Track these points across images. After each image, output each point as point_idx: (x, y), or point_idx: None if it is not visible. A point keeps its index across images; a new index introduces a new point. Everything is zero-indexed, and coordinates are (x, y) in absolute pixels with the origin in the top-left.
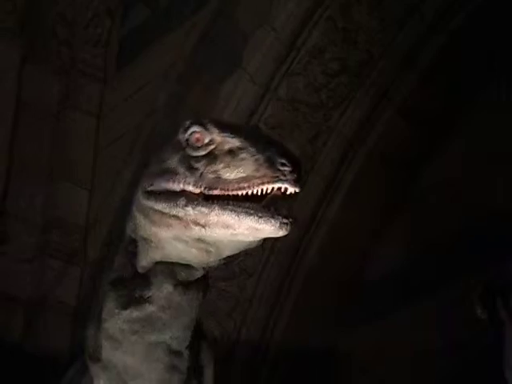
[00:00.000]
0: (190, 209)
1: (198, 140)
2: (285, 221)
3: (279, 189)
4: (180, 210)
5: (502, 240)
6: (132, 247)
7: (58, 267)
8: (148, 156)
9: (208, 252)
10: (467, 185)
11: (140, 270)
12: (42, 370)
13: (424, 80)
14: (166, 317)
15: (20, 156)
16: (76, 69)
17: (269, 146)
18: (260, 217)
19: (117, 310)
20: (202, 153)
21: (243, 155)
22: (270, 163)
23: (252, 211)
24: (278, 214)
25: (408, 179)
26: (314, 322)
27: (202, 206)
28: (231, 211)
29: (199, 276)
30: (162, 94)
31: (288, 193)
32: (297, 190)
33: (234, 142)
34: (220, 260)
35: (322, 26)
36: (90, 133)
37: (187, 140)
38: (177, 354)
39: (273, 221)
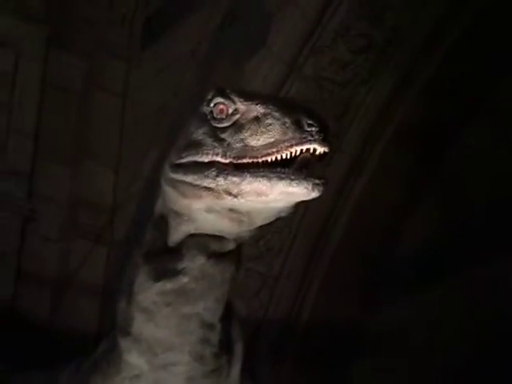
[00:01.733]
0: (221, 179)
1: (222, 111)
2: (317, 182)
3: (308, 150)
4: (211, 181)
5: None
6: (162, 223)
7: (85, 247)
8: (174, 135)
9: (240, 222)
10: (496, 159)
11: (171, 244)
12: (70, 349)
13: (450, 56)
14: (199, 288)
15: (46, 136)
16: (101, 49)
17: (294, 110)
18: (292, 179)
19: (149, 283)
20: (228, 123)
21: (269, 121)
22: (297, 125)
23: (284, 175)
24: (310, 176)
25: (435, 155)
26: (341, 300)
27: (233, 175)
28: (263, 177)
29: (231, 248)
30: (188, 73)
31: (317, 153)
32: (326, 150)
33: (258, 109)
34: (251, 230)
35: (347, 3)
36: (116, 113)
37: (211, 112)
38: (209, 326)
39: (305, 183)
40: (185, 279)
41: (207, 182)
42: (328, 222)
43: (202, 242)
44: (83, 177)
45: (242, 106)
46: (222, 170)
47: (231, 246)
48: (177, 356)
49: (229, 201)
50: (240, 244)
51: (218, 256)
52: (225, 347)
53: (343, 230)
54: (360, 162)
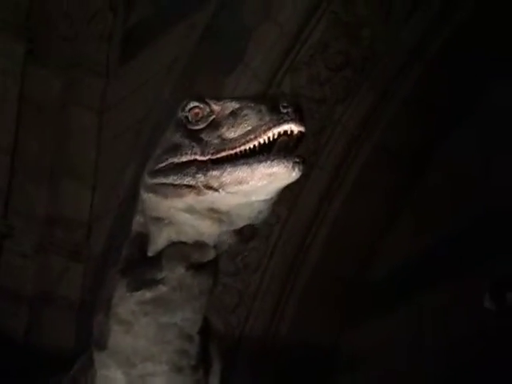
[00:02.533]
0: (200, 175)
1: (197, 114)
2: (297, 160)
3: (286, 133)
4: (191, 178)
5: (509, 234)
6: (139, 240)
7: (61, 263)
8: (151, 149)
9: (221, 222)
10: (473, 176)
11: (151, 254)
12: (46, 366)
13: (428, 75)
14: (178, 298)
15: (23, 152)
16: (78, 64)
17: (268, 99)
18: (272, 160)
19: (128, 294)
20: (204, 124)
21: (245, 111)
22: (273, 109)
23: (263, 158)
24: (290, 155)
25: (413, 172)
26: (319, 318)
27: (213, 169)
28: (243, 165)
29: (211, 258)
30: (166, 88)
31: (295, 135)
32: (302, 130)
33: (233, 105)
34: (231, 235)
35: (326, 21)
36: (93, 128)
37: (187, 117)
38: (188, 337)
39: (285, 161)
40: (164, 288)
41: (187, 180)
42: (305, 239)
43: (182, 251)
44: (60, 193)
45: (216, 106)
46: (202, 166)
47: (211, 254)
48: (155, 366)
49: (210, 196)
50: (217, 256)
51: (196, 267)
52: (202, 360)
53: (321, 248)
54: (337, 180)
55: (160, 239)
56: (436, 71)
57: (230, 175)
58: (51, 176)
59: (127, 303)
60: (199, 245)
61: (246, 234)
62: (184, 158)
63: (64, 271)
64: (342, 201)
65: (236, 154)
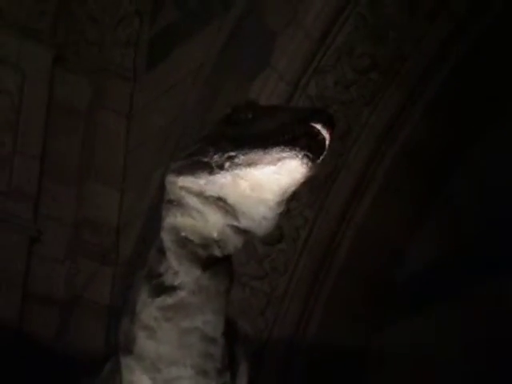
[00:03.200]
0: (217, 155)
1: (238, 116)
2: (309, 154)
3: (310, 135)
4: (207, 157)
5: None
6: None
7: (90, 267)
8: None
9: (226, 212)
10: (500, 183)
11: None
12: (76, 370)
13: (455, 77)
14: (197, 301)
15: (52, 157)
16: (106, 69)
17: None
18: (285, 146)
19: (150, 299)
20: (240, 125)
21: (280, 113)
22: (304, 114)
23: (279, 142)
24: (304, 148)
25: (439, 176)
26: (346, 321)
27: (231, 150)
28: (258, 147)
29: (218, 256)
30: (192, 93)
31: (319, 138)
32: (327, 135)
33: (273, 110)
34: (235, 231)
35: (352, 23)
36: (121, 133)
37: (228, 117)
38: (211, 340)
39: (297, 151)
40: (182, 293)
41: (203, 158)
42: (333, 242)
43: (193, 253)
44: (89, 197)
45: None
46: (222, 148)
47: (217, 252)
48: (180, 371)
49: (220, 177)
50: (230, 256)
51: (211, 269)
52: (228, 364)
53: (347, 250)
54: (364, 182)
55: (166, 225)
56: (463, 73)
57: (243, 155)
58: (80, 180)
59: (149, 309)
60: (204, 240)
61: (274, 237)
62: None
63: (93, 275)
64: (368, 204)
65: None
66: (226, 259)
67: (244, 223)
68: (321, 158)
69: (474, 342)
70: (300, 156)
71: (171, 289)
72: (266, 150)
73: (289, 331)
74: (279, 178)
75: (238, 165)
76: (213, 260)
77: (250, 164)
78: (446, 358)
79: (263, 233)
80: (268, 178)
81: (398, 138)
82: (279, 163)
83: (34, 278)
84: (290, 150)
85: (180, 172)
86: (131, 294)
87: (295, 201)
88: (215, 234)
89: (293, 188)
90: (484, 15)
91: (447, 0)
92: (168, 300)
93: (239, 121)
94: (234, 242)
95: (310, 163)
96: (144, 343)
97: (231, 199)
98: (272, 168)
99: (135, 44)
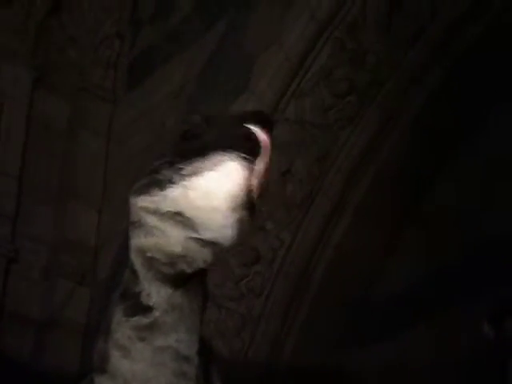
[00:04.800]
0: (167, 170)
1: (187, 132)
2: (247, 157)
3: (249, 138)
4: (158, 174)
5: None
6: None
7: (67, 287)
8: None
9: (184, 226)
10: (476, 204)
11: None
12: None
13: (432, 99)
14: (170, 320)
15: (31, 177)
16: (86, 90)
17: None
18: (224, 150)
19: (125, 319)
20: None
21: (223, 121)
22: (244, 118)
23: (218, 149)
24: (239, 148)
25: (416, 198)
26: (321, 343)
27: (179, 162)
28: (201, 155)
29: (188, 272)
30: (172, 114)
31: (258, 141)
32: (264, 139)
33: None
34: (201, 244)
35: (330, 47)
36: (100, 153)
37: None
38: (185, 359)
39: (235, 154)
40: (156, 313)
41: (155, 176)
42: (309, 264)
43: (158, 270)
44: (67, 217)
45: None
46: (172, 162)
47: (186, 268)
48: None
49: (172, 191)
50: (202, 274)
51: (183, 288)
52: (203, 382)
53: (325, 271)
54: (340, 205)
55: (133, 247)
56: (439, 97)
57: (189, 165)
58: (59, 200)
59: (124, 329)
60: (169, 257)
61: (250, 258)
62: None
63: (70, 295)
64: (345, 225)
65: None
66: (199, 276)
67: (204, 234)
68: (265, 158)
69: (447, 364)
70: (235, 157)
71: (146, 309)
72: (206, 157)
73: (265, 353)
74: (222, 182)
75: (184, 176)
76: (183, 277)
77: (194, 173)
78: (418, 379)
79: (228, 242)
80: (213, 185)
81: (374, 161)
82: (219, 167)
83: (10, 297)
84: (227, 152)
85: (139, 192)
86: (107, 314)
87: (272, 222)
88: (179, 249)
89: (240, 192)
90: (459, 42)
91: (424, 26)
92: (143, 320)
93: (194, 135)
94: (201, 255)
95: (246, 163)
96: (118, 362)
97: (187, 212)
98: (214, 174)
99: (115, 65)
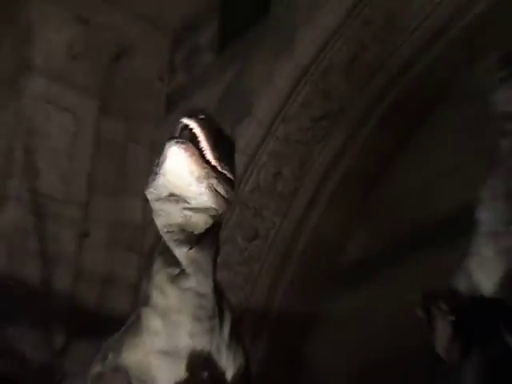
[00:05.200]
0: (156, 166)
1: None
2: (179, 139)
3: (190, 129)
4: (154, 170)
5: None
6: None
7: (123, 255)
8: None
9: (177, 201)
10: (414, 196)
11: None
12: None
13: (380, 124)
14: (191, 269)
15: (97, 176)
16: (136, 115)
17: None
18: (172, 141)
19: (163, 269)
20: None
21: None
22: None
23: (171, 140)
24: (176, 136)
25: (370, 192)
26: (302, 295)
27: (160, 156)
28: (165, 148)
29: (197, 234)
30: None
31: (194, 131)
32: (196, 126)
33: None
34: (191, 208)
35: (309, 86)
36: (145, 159)
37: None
38: (203, 296)
39: (177, 142)
40: (181, 266)
41: (153, 173)
42: (293, 238)
43: (174, 238)
44: (122, 204)
45: None
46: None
47: (194, 231)
48: (182, 317)
49: (160, 180)
50: (213, 234)
51: (196, 246)
52: (216, 312)
53: (305, 244)
54: (317, 197)
55: (158, 228)
56: (384, 123)
57: (161, 156)
58: (115, 192)
59: (161, 275)
60: (178, 227)
61: (251, 235)
62: None
63: (125, 261)
64: (320, 211)
65: None
66: (209, 236)
67: (192, 203)
68: (202, 143)
69: (402, 315)
70: (173, 143)
71: (174, 263)
72: (166, 147)
73: (260, 302)
74: (177, 163)
75: (160, 165)
76: (194, 239)
77: (163, 161)
78: (374, 320)
79: (216, 205)
80: (173, 167)
81: (339, 167)
82: (169, 154)
83: (83, 261)
84: (170, 141)
85: (147, 187)
86: (150, 267)
87: (267, 210)
88: (181, 220)
89: (194, 166)
90: (406, 76)
91: (374, 72)
92: (173, 271)
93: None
94: (200, 219)
95: (183, 146)
96: (157, 298)
97: (175, 191)
98: (169, 159)
99: (157, 98)
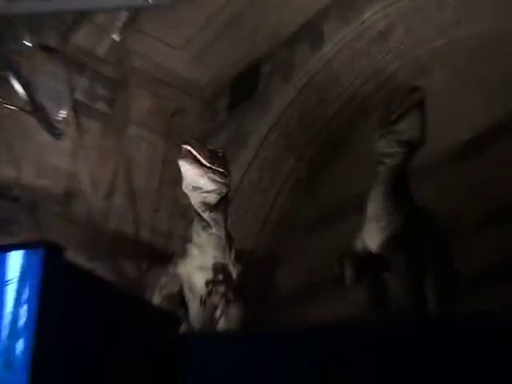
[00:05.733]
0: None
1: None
2: (183, 157)
3: (190, 152)
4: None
5: None
6: None
7: (174, 223)
8: None
9: (195, 190)
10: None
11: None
12: None
13: (309, 159)
14: (213, 223)
15: (163, 190)
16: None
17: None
18: (178, 158)
19: (198, 223)
20: None
21: None
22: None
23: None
24: (182, 156)
25: (310, 184)
26: (281, 238)
27: None
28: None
29: (215, 201)
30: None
31: (191, 152)
32: (191, 149)
33: None
34: (205, 195)
35: (275, 135)
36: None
37: None
38: (220, 237)
39: (179, 157)
40: (207, 222)
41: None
42: (268, 213)
43: (200, 208)
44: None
45: None
46: None
47: (211, 202)
48: (209, 248)
49: (184, 181)
50: (221, 204)
51: (214, 210)
52: (227, 246)
53: (276, 217)
54: (281, 189)
55: (193, 205)
56: (311, 157)
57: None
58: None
59: (197, 225)
60: (200, 204)
61: (245, 208)
62: None
63: (178, 224)
64: (284, 197)
65: None
66: (222, 205)
67: (204, 189)
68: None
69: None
70: (180, 159)
71: (204, 220)
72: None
73: (249, 243)
74: (186, 170)
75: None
76: (211, 207)
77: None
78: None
79: (218, 188)
80: (185, 172)
81: (294, 172)
82: (180, 165)
83: (155, 224)
84: (179, 159)
85: (182, 186)
86: (192, 223)
87: (252, 202)
88: (201, 199)
89: (195, 170)
90: (329, 128)
91: (309, 127)
92: (203, 223)
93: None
94: (212, 197)
95: (184, 159)
96: (195, 238)
97: (193, 184)
98: (182, 169)
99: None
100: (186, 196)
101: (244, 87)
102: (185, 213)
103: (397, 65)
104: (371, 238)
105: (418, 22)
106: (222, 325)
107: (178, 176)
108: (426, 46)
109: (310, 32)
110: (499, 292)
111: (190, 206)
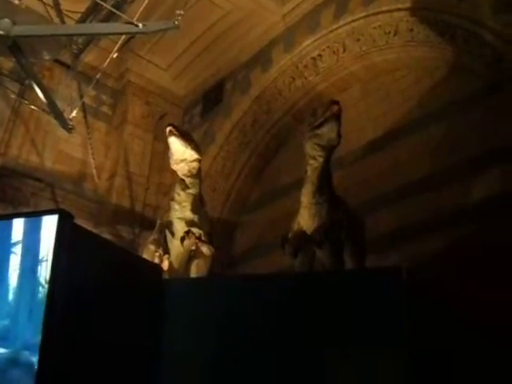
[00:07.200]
0: None
1: None
2: (170, 131)
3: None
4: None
5: None
6: None
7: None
8: None
9: (182, 161)
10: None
11: None
12: None
13: (260, 152)
14: (190, 185)
15: (152, 177)
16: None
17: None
18: (167, 134)
19: (179, 185)
20: None
21: None
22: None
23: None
24: (168, 131)
25: (257, 179)
26: (242, 205)
27: None
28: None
29: (193, 173)
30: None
31: (174, 131)
32: (173, 130)
33: None
34: (189, 164)
35: (235, 134)
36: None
37: None
38: (195, 195)
39: (168, 134)
40: (187, 184)
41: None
42: (231, 187)
43: (186, 175)
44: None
45: None
46: None
47: (192, 171)
48: (187, 204)
49: (171, 156)
50: (197, 172)
51: (192, 177)
52: (199, 203)
53: (235, 195)
54: (241, 173)
55: (179, 174)
56: (262, 152)
57: None
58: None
59: (178, 187)
60: (187, 172)
61: (213, 187)
62: None
63: (159, 204)
64: (239, 183)
65: None
66: (198, 173)
67: (187, 159)
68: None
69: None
70: (168, 135)
71: (185, 184)
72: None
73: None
74: (173, 143)
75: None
76: (192, 174)
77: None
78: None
79: (197, 158)
80: (172, 145)
81: (246, 167)
82: (169, 140)
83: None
84: (167, 135)
85: (171, 161)
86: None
87: (220, 180)
88: (187, 168)
89: (180, 143)
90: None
91: (258, 131)
92: (183, 185)
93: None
94: (193, 165)
95: (174, 135)
96: (176, 196)
97: (179, 156)
98: (170, 142)
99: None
100: (169, 178)
101: (213, 98)
102: (168, 191)
103: (325, 83)
104: (305, 221)
105: (340, 51)
106: (194, 270)
107: (162, 164)
108: (346, 70)
109: (262, 57)
110: (400, 251)
111: (171, 186)
